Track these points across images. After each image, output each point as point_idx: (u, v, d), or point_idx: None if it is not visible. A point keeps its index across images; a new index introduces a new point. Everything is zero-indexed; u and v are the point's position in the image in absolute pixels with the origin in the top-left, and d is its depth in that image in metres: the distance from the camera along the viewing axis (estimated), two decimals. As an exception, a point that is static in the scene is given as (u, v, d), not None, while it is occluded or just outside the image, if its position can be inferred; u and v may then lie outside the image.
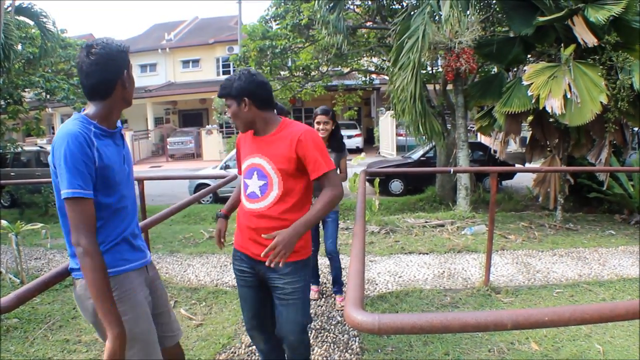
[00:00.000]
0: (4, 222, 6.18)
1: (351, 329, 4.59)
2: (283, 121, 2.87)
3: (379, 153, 25.44)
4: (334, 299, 5.37)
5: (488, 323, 1.44)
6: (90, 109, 2.26)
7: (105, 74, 2.18)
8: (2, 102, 12.97)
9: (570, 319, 1.49)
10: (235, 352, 4.27)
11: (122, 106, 2.35)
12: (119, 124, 2.39)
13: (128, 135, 26.47)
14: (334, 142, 5.08)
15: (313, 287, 5.46)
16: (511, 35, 9.35)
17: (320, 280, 5.75)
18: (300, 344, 3.00)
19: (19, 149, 14.34)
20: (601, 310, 1.50)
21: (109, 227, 2.26)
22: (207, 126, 29.09)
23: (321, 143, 2.79)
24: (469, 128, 11.01)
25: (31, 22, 13.22)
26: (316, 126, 4.96)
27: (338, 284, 5.31)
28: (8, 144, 13.49)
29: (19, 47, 12.67)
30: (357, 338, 4.44)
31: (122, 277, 2.28)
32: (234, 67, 18.54)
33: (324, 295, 5.51)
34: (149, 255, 2.56)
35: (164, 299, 2.66)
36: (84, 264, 2.06)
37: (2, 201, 15.62)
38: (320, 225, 5.43)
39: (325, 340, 4.45)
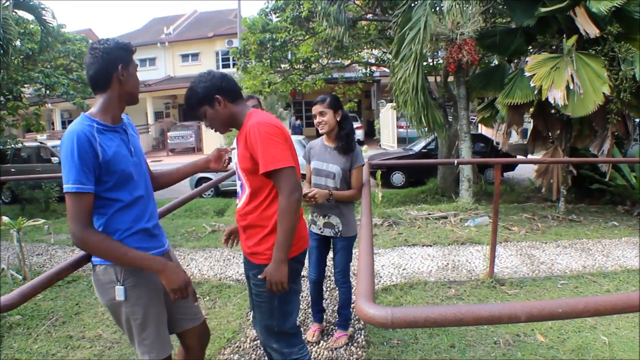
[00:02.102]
0: (5, 219, 6.17)
1: (356, 322, 4.57)
2: (248, 114, 2.69)
3: (380, 145, 25.43)
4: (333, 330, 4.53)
5: (502, 316, 1.42)
6: (93, 106, 2.41)
7: (101, 66, 2.34)
8: (2, 98, 12.95)
9: (584, 311, 1.47)
10: (240, 347, 4.27)
11: (125, 100, 2.46)
12: (125, 118, 2.53)
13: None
14: (339, 140, 3.94)
15: (313, 326, 4.50)
16: (513, 26, 9.32)
17: (324, 317, 4.65)
18: (269, 347, 2.89)
19: (19, 145, 14.29)
20: (615, 301, 1.48)
21: (125, 217, 2.40)
22: (207, 120, 29.02)
23: (269, 135, 2.50)
24: (470, 119, 10.97)
25: (30, 17, 13.17)
26: (315, 120, 3.96)
27: (343, 316, 4.33)
28: (8, 140, 13.45)
29: (18, 42, 12.64)
30: (363, 331, 4.43)
31: None
32: (234, 61, 18.47)
33: (326, 334, 4.49)
34: (167, 243, 2.72)
35: None
36: (90, 252, 2.30)
37: (3, 197, 15.60)
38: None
39: (331, 333, 4.44)
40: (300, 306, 4.86)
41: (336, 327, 4.42)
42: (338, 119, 3.90)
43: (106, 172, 2.28)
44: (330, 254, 4.26)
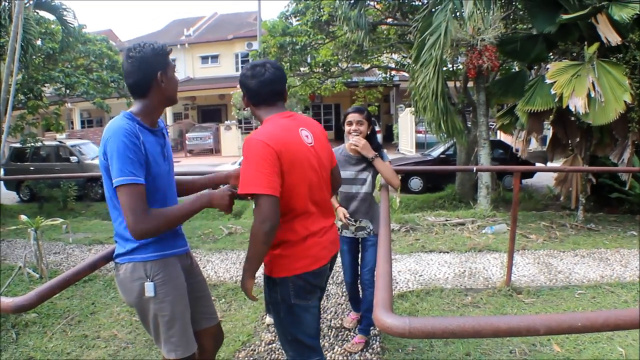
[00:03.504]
0: (23, 217, 6.22)
1: (372, 328, 4.57)
2: (264, 121, 2.63)
3: (398, 150, 25.33)
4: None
5: (520, 328, 1.42)
6: (134, 107, 2.46)
7: (140, 74, 2.38)
8: (22, 97, 13.06)
9: (603, 325, 1.46)
10: (255, 350, 4.27)
11: (164, 104, 2.54)
12: (161, 123, 2.59)
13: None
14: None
15: (352, 314, 4.72)
16: (534, 32, 9.25)
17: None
18: (285, 353, 2.87)
19: (39, 144, 14.41)
20: (635, 315, 1.47)
21: None
22: (225, 122, 29.09)
23: (253, 155, 2.38)
24: (489, 126, 10.92)
25: (51, 17, 13.30)
26: (347, 128, 4.01)
27: (367, 320, 4.31)
28: (28, 139, 13.57)
29: (39, 42, 12.76)
30: (378, 337, 4.42)
31: (166, 261, 2.50)
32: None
33: (341, 340, 4.49)
34: (188, 244, 2.81)
35: (203, 283, 2.88)
36: (154, 235, 2.34)
37: (21, 195, 15.77)
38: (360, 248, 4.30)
39: (346, 339, 4.44)
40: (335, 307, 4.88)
41: (358, 332, 4.40)
42: (368, 132, 4.01)
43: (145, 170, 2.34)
44: None
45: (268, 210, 2.32)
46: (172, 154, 2.67)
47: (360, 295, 4.45)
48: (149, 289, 2.41)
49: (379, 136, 26.01)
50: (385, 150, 4.17)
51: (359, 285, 4.41)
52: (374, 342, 4.35)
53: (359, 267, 4.31)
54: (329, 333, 4.58)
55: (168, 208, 2.37)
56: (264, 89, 2.58)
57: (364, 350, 4.22)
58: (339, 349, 4.25)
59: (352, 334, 4.47)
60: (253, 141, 2.41)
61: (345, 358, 4.12)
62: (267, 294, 2.72)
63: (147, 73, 2.38)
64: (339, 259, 3.95)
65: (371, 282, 4.15)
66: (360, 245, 4.26)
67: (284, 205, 2.48)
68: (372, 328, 4.40)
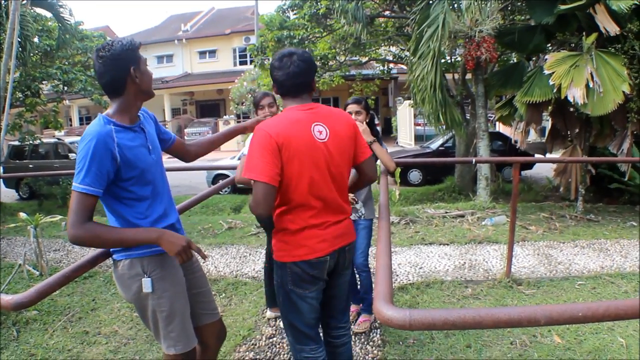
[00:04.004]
0: (22, 215, 6.22)
1: (372, 320, 4.57)
2: (282, 112, 2.76)
3: (397, 143, 25.34)
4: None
5: (521, 319, 1.41)
6: (110, 108, 2.44)
7: (113, 72, 2.36)
8: (20, 95, 13.03)
9: (604, 315, 1.45)
10: (255, 344, 4.28)
11: (141, 99, 2.51)
12: (143, 116, 2.57)
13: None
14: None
15: (352, 307, 4.62)
16: (532, 23, 9.22)
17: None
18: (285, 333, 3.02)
19: (37, 141, 14.38)
20: (636, 305, 1.47)
21: (149, 210, 2.48)
22: (224, 116, 29.16)
23: (256, 143, 2.51)
24: (488, 117, 10.91)
25: (48, 14, 13.26)
26: None
27: (367, 301, 4.50)
28: (26, 137, 13.54)
29: (36, 39, 12.72)
30: (378, 330, 4.42)
31: (163, 257, 2.48)
32: (251, 58, 18.51)
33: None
34: None
35: (203, 279, 2.88)
36: (86, 244, 2.25)
37: (21, 193, 15.75)
38: None
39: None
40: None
41: (361, 312, 4.56)
42: (367, 121, 4.19)
43: (127, 170, 2.33)
44: None
45: (259, 195, 2.42)
46: (158, 146, 2.65)
47: (358, 283, 4.54)
48: (147, 284, 2.41)
49: (377, 129, 26.33)
50: (383, 142, 4.23)
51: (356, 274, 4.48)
52: (374, 334, 4.36)
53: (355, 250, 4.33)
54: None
55: (110, 228, 2.33)
56: (288, 81, 2.63)
57: (365, 342, 4.22)
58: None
59: (353, 326, 4.47)
60: (259, 131, 2.54)
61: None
62: (274, 278, 2.82)
63: (120, 70, 2.36)
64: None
65: (365, 265, 4.36)
66: None
67: (284, 195, 2.59)
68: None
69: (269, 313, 4.73)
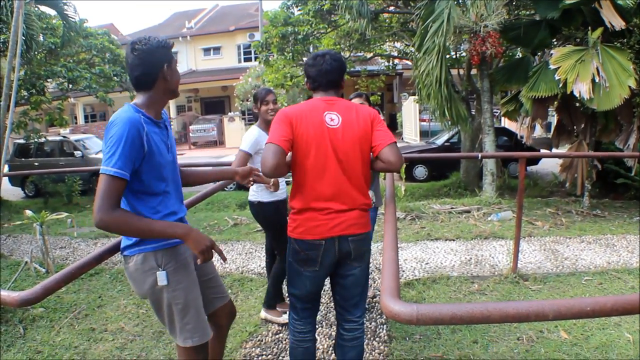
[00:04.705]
0: (28, 212, 6.23)
1: (379, 316, 4.56)
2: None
3: (402, 139, 25.28)
4: None
5: (529, 313, 1.41)
6: (138, 99, 2.47)
7: (146, 68, 2.40)
8: (25, 93, 13.03)
9: (612, 310, 1.45)
10: (262, 340, 4.28)
11: (167, 97, 2.56)
12: (164, 115, 2.60)
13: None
14: None
15: None
16: (537, 18, 9.20)
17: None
18: None
19: (43, 139, 14.39)
20: (645, 300, 1.46)
21: (160, 205, 2.49)
22: (229, 113, 29.05)
23: (274, 119, 2.86)
24: (493, 113, 10.88)
25: (53, 12, 13.24)
26: None
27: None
28: (31, 135, 13.55)
29: (41, 37, 12.71)
30: (385, 326, 4.42)
31: (176, 249, 2.51)
32: (255, 54, 18.51)
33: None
34: None
35: (211, 265, 2.89)
36: (114, 229, 2.23)
37: (26, 191, 15.78)
38: None
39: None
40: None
41: None
42: None
43: (149, 161, 2.35)
44: None
45: (266, 153, 2.65)
46: (175, 145, 2.68)
47: None
48: (162, 277, 2.42)
49: (383, 125, 26.33)
50: None
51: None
52: (380, 330, 4.36)
53: None
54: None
55: (140, 218, 2.33)
56: (320, 77, 2.94)
57: (371, 338, 4.22)
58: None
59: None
60: (280, 111, 2.92)
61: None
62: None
63: (153, 66, 2.40)
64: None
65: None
66: None
67: (294, 175, 2.87)
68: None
69: (263, 313, 4.68)
